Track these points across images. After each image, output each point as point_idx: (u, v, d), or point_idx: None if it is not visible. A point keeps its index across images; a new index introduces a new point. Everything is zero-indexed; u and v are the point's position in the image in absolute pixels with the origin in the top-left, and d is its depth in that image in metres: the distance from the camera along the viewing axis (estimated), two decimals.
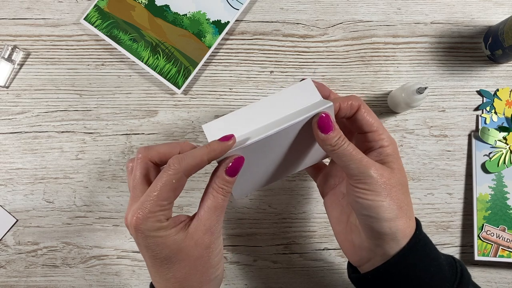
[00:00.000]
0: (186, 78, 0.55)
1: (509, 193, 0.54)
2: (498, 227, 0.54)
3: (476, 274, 0.55)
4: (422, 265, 0.36)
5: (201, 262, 0.35)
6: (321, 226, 0.55)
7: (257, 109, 0.37)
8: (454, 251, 0.55)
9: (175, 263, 0.35)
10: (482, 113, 0.56)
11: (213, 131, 0.37)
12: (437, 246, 0.55)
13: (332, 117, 0.36)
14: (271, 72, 0.57)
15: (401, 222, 0.36)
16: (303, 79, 0.38)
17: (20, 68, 0.56)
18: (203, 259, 0.35)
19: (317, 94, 0.37)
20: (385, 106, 0.56)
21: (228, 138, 0.35)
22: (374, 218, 0.36)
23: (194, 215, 0.36)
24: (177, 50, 0.55)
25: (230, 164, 0.35)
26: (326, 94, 0.39)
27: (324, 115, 0.35)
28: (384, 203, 0.35)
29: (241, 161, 0.36)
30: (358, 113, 0.38)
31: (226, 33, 0.55)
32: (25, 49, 0.56)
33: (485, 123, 0.56)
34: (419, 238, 0.36)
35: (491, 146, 0.55)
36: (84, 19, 0.55)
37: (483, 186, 0.54)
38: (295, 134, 0.37)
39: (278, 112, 0.37)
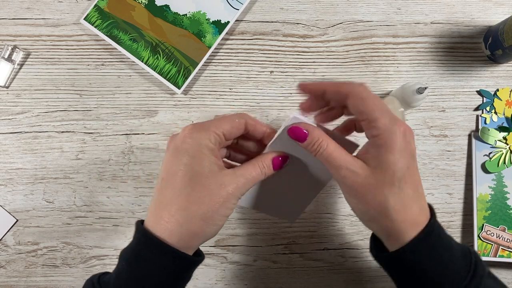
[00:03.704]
0: (186, 78, 0.55)
1: (509, 193, 0.54)
2: (498, 227, 0.54)
3: None
4: (433, 255, 0.35)
5: (211, 206, 0.35)
6: (321, 226, 0.55)
7: None
8: None
9: (195, 190, 0.35)
10: (482, 113, 0.56)
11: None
12: None
13: (306, 125, 0.37)
14: (271, 72, 0.57)
15: (381, 226, 0.36)
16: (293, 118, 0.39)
17: (20, 68, 0.56)
18: (215, 206, 0.35)
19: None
20: None
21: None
22: (358, 216, 0.37)
23: (231, 165, 0.39)
24: (177, 50, 0.55)
25: (276, 155, 0.39)
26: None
27: (292, 128, 0.37)
28: (360, 206, 0.36)
29: (285, 160, 0.40)
30: (347, 103, 0.37)
31: (226, 33, 0.55)
32: (25, 49, 0.56)
33: (485, 123, 0.55)
34: (432, 229, 0.36)
35: (491, 146, 0.55)
36: (84, 19, 0.55)
37: (483, 186, 0.54)
38: (287, 150, 0.40)
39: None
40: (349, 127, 0.42)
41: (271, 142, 0.40)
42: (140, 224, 0.36)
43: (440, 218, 0.55)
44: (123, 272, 0.36)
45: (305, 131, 0.37)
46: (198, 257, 0.38)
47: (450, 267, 0.35)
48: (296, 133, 0.38)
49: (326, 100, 0.39)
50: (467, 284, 0.34)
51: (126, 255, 0.36)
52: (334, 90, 0.38)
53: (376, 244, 0.39)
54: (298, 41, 0.57)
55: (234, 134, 0.38)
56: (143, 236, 0.35)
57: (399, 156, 0.35)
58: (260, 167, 0.38)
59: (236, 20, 0.56)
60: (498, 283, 0.36)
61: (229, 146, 0.42)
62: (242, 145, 0.42)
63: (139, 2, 0.56)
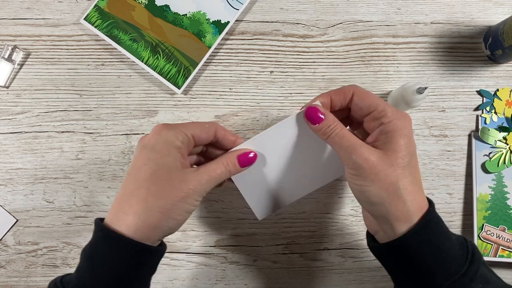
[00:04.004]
0: (186, 78, 0.55)
1: (509, 193, 0.54)
2: (498, 227, 0.54)
3: None
4: (434, 242, 0.36)
5: (170, 199, 0.36)
6: (321, 226, 0.55)
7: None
8: None
9: (156, 184, 0.36)
10: (482, 113, 0.56)
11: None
12: None
13: (322, 109, 0.39)
14: (271, 72, 0.57)
15: (391, 208, 0.36)
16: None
17: (20, 68, 0.56)
18: (174, 199, 0.36)
19: None
20: None
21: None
22: (363, 201, 0.37)
23: (197, 164, 0.42)
24: (177, 50, 0.55)
25: (243, 153, 0.41)
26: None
27: (310, 108, 0.39)
28: (370, 188, 0.36)
29: (254, 158, 0.41)
30: (353, 100, 0.40)
31: (226, 33, 0.55)
32: (25, 49, 0.56)
33: (485, 123, 0.56)
34: (433, 216, 0.36)
35: (491, 146, 0.55)
36: (84, 19, 0.55)
37: (483, 186, 0.54)
38: (294, 135, 0.41)
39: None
40: None
41: (252, 138, 0.41)
42: (98, 220, 0.37)
43: None
44: (83, 269, 0.36)
45: (321, 115, 0.39)
46: (159, 246, 0.38)
47: (450, 254, 0.35)
48: (312, 114, 0.39)
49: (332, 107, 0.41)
50: (465, 271, 0.34)
51: (85, 252, 0.36)
52: (340, 93, 0.40)
53: (372, 237, 0.40)
54: (298, 41, 0.57)
55: (203, 138, 0.39)
56: (100, 231, 0.35)
57: (408, 140, 0.37)
58: (224, 165, 0.39)
59: (236, 20, 0.56)
60: (493, 273, 0.37)
61: (199, 153, 0.43)
62: (211, 153, 0.43)
63: (139, 2, 0.56)
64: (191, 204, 0.37)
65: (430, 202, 0.38)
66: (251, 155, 0.41)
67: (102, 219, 0.37)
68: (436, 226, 0.36)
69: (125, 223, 0.35)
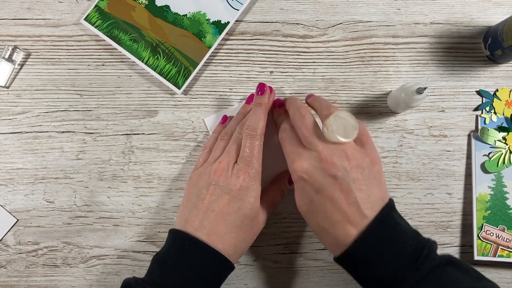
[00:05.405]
0: (186, 78, 0.55)
1: (508, 193, 0.54)
2: (497, 227, 0.54)
3: None
4: (367, 260, 0.39)
5: (251, 241, 0.46)
6: None
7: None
8: (453, 251, 0.55)
9: (243, 230, 0.44)
10: (482, 113, 0.56)
11: (213, 123, 0.55)
12: None
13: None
14: (271, 72, 0.57)
15: (323, 240, 0.43)
16: None
17: (20, 68, 0.56)
18: (252, 240, 0.46)
19: None
20: (385, 106, 0.56)
21: (262, 90, 0.49)
22: None
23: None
24: (177, 50, 0.55)
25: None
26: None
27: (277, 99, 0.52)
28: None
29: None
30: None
31: (226, 33, 0.56)
32: (25, 49, 0.56)
33: (485, 123, 0.56)
34: (359, 247, 0.39)
35: (491, 146, 0.55)
36: (84, 19, 0.55)
37: (482, 186, 0.54)
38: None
39: None
40: None
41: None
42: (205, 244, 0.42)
43: (440, 218, 0.55)
44: (161, 274, 0.42)
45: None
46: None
47: (391, 265, 0.38)
48: (276, 102, 0.51)
49: None
50: (405, 277, 0.37)
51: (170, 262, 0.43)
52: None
53: None
54: (298, 42, 0.57)
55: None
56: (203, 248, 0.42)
57: (298, 194, 0.43)
58: (280, 192, 0.50)
59: (236, 21, 0.56)
60: (466, 273, 0.38)
61: None
62: None
63: (139, 3, 0.56)
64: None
65: (382, 213, 0.40)
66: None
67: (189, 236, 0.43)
68: (370, 251, 0.38)
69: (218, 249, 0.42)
